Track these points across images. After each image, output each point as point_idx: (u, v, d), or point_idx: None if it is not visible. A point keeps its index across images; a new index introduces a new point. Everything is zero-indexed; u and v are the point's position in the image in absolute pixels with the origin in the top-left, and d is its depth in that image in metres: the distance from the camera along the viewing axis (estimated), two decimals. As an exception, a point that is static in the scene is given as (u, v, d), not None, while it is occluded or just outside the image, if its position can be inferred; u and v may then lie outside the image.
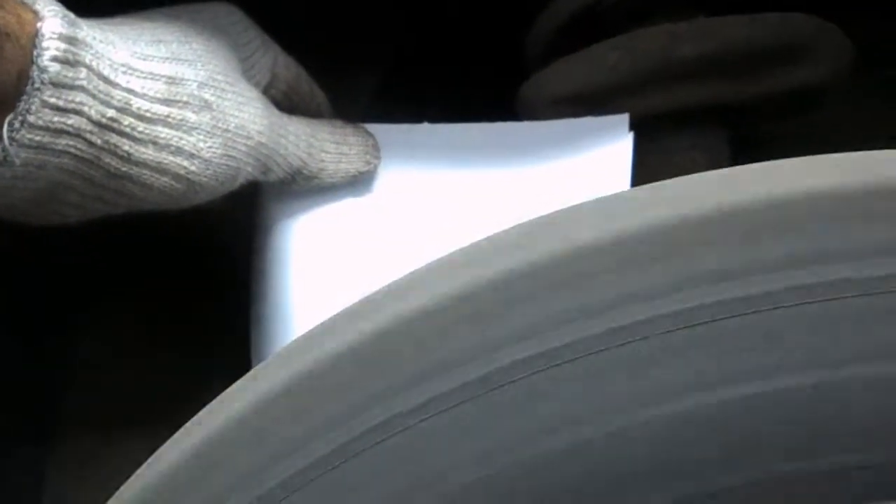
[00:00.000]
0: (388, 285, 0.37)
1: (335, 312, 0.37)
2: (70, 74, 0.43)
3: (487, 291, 0.34)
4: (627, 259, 0.33)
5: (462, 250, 0.36)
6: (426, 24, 0.72)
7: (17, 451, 0.65)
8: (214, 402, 0.38)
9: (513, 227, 0.36)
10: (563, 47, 0.58)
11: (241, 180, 0.51)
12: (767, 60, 0.56)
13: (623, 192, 0.36)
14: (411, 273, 0.37)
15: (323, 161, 0.55)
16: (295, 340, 0.37)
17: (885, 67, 0.64)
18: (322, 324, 0.37)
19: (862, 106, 0.66)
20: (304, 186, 0.56)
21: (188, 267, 0.66)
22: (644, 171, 0.58)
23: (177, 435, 0.38)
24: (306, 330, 0.39)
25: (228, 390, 0.38)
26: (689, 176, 0.35)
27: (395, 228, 0.57)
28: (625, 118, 0.56)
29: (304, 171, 0.55)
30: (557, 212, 0.36)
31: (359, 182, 0.57)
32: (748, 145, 0.62)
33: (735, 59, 0.56)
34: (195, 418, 0.38)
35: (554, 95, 0.58)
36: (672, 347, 0.33)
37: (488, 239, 0.36)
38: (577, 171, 0.57)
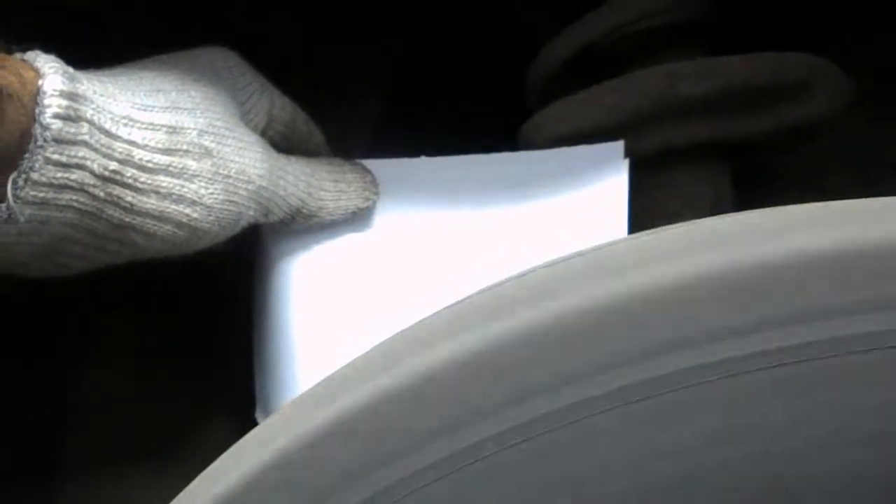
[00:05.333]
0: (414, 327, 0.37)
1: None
2: (72, 130, 0.43)
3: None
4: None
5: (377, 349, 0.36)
6: (428, 53, 0.72)
7: (17, 492, 0.65)
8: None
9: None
10: (563, 86, 0.59)
11: (242, 224, 0.52)
12: (766, 98, 0.57)
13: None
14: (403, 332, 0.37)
15: (322, 199, 0.56)
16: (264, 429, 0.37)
17: (887, 95, 0.64)
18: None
19: (862, 134, 0.66)
20: (303, 225, 0.56)
21: (188, 305, 0.66)
22: (651, 205, 0.58)
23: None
24: (307, 379, 0.39)
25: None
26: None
27: (394, 263, 0.57)
28: (620, 145, 0.57)
29: (304, 211, 0.55)
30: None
31: (358, 218, 0.58)
32: (751, 176, 0.63)
33: (734, 97, 0.56)
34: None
35: (555, 135, 0.58)
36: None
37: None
38: (576, 200, 0.57)
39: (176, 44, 0.53)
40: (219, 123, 0.50)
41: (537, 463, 0.35)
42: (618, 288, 0.33)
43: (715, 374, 0.33)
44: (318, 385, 0.37)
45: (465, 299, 0.36)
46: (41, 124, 0.42)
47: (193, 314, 0.66)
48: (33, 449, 0.67)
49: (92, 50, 0.48)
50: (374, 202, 0.58)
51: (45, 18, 0.56)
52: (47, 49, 0.45)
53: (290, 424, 0.36)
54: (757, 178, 0.65)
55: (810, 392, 0.34)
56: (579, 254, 0.35)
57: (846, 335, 0.33)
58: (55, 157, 0.43)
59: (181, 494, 0.38)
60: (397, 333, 0.37)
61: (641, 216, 0.58)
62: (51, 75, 0.43)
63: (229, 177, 0.49)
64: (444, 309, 0.36)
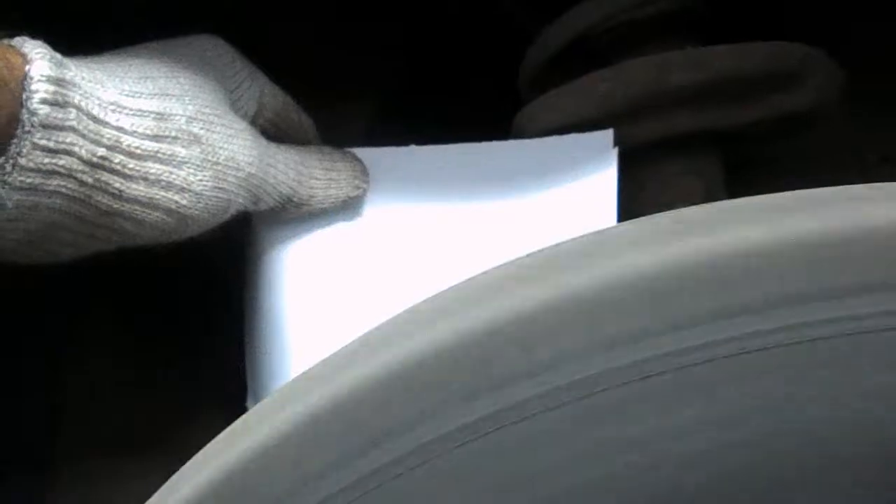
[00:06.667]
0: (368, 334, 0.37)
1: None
2: (60, 116, 0.43)
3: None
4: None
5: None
6: (428, 53, 0.72)
7: (11, 486, 0.65)
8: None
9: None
10: (556, 77, 0.59)
11: (232, 211, 0.52)
12: (757, 88, 0.56)
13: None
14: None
15: (312, 188, 0.56)
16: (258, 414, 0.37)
17: (879, 84, 0.64)
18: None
19: (855, 125, 0.66)
20: (294, 214, 0.56)
21: (179, 295, 0.66)
22: (643, 196, 0.58)
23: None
24: (298, 368, 0.39)
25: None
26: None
27: (385, 251, 0.57)
28: (609, 133, 0.57)
29: (294, 199, 0.55)
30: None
31: (348, 207, 0.58)
32: (742, 167, 0.63)
33: (725, 87, 0.56)
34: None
35: (546, 125, 0.58)
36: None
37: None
38: (566, 188, 0.57)
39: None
40: (208, 110, 0.50)
41: (487, 462, 0.35)
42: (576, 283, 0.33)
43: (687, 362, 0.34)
44: (302, 374, 0.37)
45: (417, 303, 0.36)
46: (29, 109, 0.42)
47: (185, 306, 0.66)
48: (26, 443, 0.67)
49: (90, 46, 0.48)
50: (364, 191, 0.58)
51: (44, 13, 0.57)
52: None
53: (273, 414, 0.36)
54: (749, 169, 0.65)
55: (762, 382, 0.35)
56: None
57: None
58: (43, 142, 0.43)
59: (167, 483, 0.38)
60: (384, 320, 0.37)
61: (633, 207, 0.58)
62: (38, 61, 0.43)
63: (218, 164, 0.49)
64: (417, 303, 0.36)
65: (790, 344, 0.33)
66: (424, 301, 0.36)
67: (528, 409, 0.34)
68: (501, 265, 0.35)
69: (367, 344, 0.36)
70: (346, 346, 0.37)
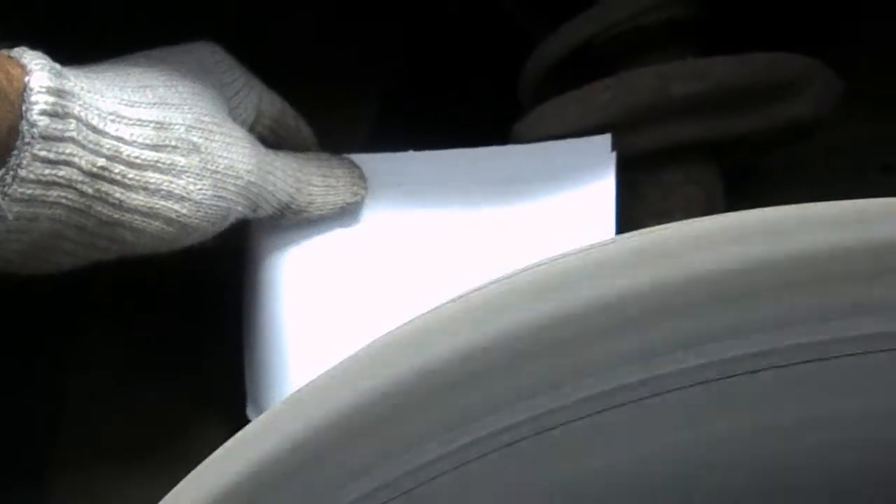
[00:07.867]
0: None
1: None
2: (59, 127, 0.43)
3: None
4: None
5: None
6: (428, 53, 0.72)
7: (10, 491, 0.65)
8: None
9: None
10: (557, 85, 0.59)
11: (231, 219, 0.52)
12: (757, 98, 0.56)
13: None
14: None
15: (311, 195, 0.56)
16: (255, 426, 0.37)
17: (881, 95, 0.64)
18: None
19: (855, 134, 0.66)
20: (292, 220, 0.56)
21: (179, 302, 0.66)
22: (643, 205, 0.58)
23: None
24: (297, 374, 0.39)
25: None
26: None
27: (383, 258, 0.58)
28: (607, 138, 0.56)
29: (293, 206, 0.55)
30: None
31: (346, 213, 0.58)
32: (742, 176, 0.63)
33: (725, 97, 0.56)
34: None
35: (547, 134, 0.58)
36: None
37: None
38: (564, 192, 0.57)
39: (174, 43, 0.53)
40: (207, 119, 0.50)
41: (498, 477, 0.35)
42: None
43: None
44: (307, 385, 0.37)
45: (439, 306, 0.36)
46: (28, 121, 0.42)
47: (184, 311, 0.66)
48: (26, 447, 0.67)
49: (89, 49, 0.48)
50: (363, 197, 0.58)
51: (43, 17, 0.57)
52: (43, 48, 0.45)
53: (278, 425, 0.36)
54: (749, 178, 0.65)
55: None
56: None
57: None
58: (43, 153, 0.43)
59: (170, 494, 0.38)
60: (389, 332, 0.37)
61: (633, 216, 0.58)
62: (37, 72, 0.43)
63: (217, 172, 0.49)
64: (431, 310, 0.36)
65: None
66: (446, 304, 0.36)
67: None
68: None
69: (384, 352, 0.36)
70: (352, 357, 0.37)
